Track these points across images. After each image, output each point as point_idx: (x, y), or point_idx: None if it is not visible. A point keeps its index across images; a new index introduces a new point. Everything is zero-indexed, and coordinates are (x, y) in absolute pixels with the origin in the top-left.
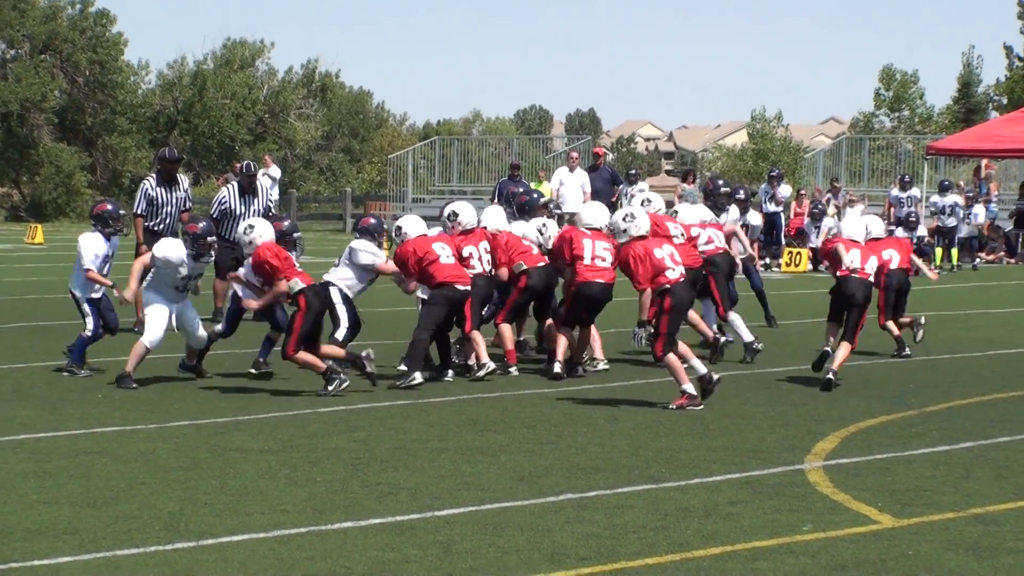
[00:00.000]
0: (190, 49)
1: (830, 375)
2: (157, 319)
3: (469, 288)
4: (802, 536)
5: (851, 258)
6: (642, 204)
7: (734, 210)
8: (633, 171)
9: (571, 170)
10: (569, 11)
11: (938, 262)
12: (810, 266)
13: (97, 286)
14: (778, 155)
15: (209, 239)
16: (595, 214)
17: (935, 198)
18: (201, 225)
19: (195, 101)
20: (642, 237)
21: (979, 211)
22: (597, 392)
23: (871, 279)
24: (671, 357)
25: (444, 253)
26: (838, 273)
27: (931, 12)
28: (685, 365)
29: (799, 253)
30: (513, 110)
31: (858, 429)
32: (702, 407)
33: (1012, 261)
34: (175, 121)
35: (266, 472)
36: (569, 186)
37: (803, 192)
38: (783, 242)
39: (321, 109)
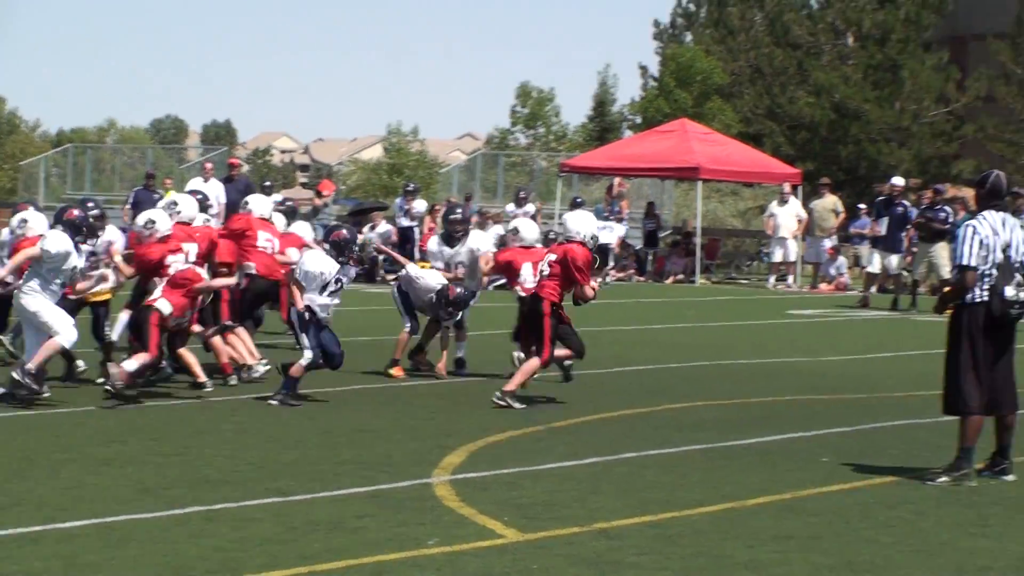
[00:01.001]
0: None
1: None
2: (61, 316)
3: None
4: (428, 550)
5: (525, 275)
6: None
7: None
8: (268, 183)
9: (205, 180)
10: (204, 21)
11: None
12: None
13: None
14: (413, 170)
15: (95, 223)
16: None
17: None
18: (77, 212)
19: None
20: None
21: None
22: (225, 405)
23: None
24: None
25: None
26: (521, 292)
27: (568, 30)
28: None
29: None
30: (148, 119)
31: (486, 444)
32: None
33: (642, 279)
34: None
35: None
36: None
37: (437, 207)
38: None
39: None
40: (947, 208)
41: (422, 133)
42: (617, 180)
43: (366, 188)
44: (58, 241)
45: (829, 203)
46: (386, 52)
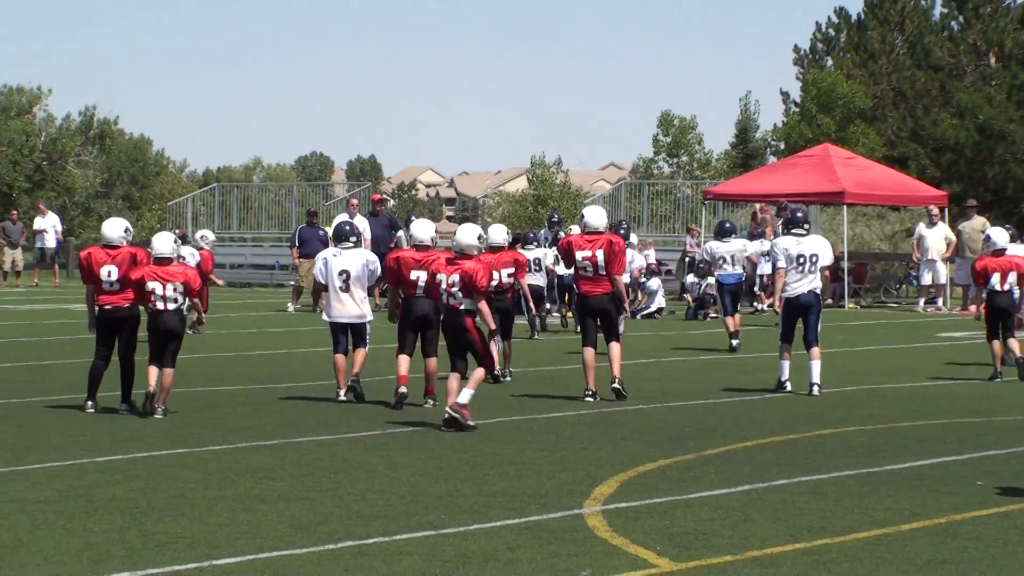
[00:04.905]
0: None
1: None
2: None
3: (119, 308)
4: None
5: None
6: None
7: None
8: (412, 216)
9: (351, 216)
10: (348, 57)
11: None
12: None
13: None
14: (558, 200)
15: None
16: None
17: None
18: None
19: None
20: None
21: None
22: (375, 439)
23: None
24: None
25: (107, 280)
26: None
27: (709, 58)
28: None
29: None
30: (294, 157)
31: (637, 473)
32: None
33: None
34: None
35: (42, 523)
36: None
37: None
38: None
39: (100, 156)
40: None
41: (565, 164)
42: (759, 206)
43: (512, 220)
44: None
45: (978, 224)
46: (528, 85)
